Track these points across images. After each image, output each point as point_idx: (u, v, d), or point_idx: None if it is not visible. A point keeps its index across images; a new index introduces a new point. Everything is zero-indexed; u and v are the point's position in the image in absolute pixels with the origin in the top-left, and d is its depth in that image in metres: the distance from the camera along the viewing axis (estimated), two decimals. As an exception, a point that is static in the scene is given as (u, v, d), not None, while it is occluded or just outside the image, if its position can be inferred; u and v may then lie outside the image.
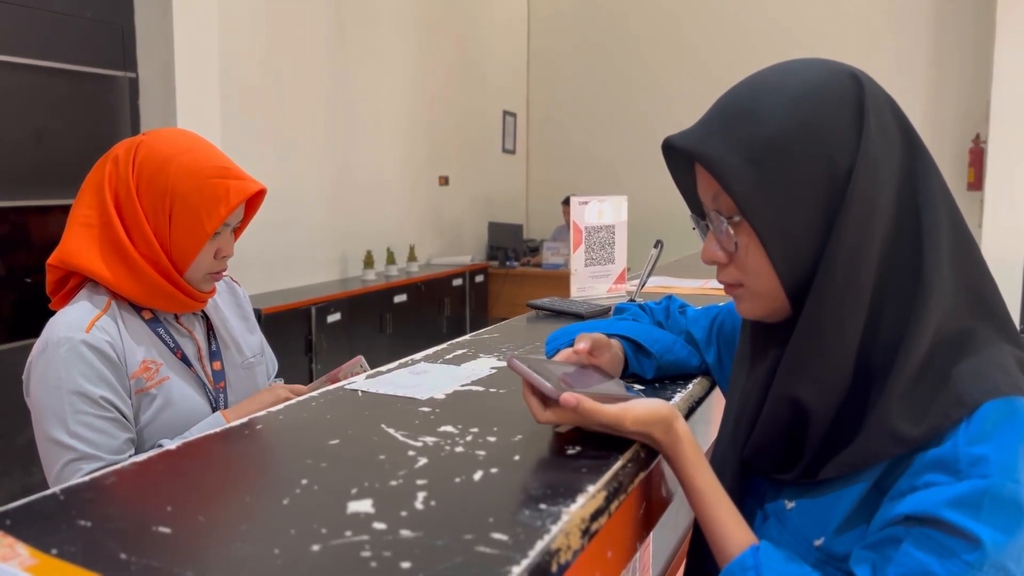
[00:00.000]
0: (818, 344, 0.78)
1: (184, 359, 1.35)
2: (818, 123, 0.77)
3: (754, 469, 0.89)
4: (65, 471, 1.21)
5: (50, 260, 1.30)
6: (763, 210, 0.78)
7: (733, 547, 0.80)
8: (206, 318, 1.43)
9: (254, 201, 1.39)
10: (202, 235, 1.28)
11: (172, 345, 1.34)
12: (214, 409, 1.37)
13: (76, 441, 1.21)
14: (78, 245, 1.28)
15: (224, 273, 1.40)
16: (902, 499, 0.72)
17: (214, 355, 1.41)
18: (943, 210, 0.78)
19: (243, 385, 1.44)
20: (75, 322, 1.25)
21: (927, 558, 0.69)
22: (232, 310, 1.52)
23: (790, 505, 0.85)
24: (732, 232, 0.81)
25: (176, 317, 1.38)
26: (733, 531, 0.81)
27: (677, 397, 1.08)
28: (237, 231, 1.40)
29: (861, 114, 0.77)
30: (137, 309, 1.33)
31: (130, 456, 1.23)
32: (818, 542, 0.80)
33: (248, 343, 1.50)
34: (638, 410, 0.83)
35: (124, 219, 1.28)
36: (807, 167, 0.77)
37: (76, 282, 1.33)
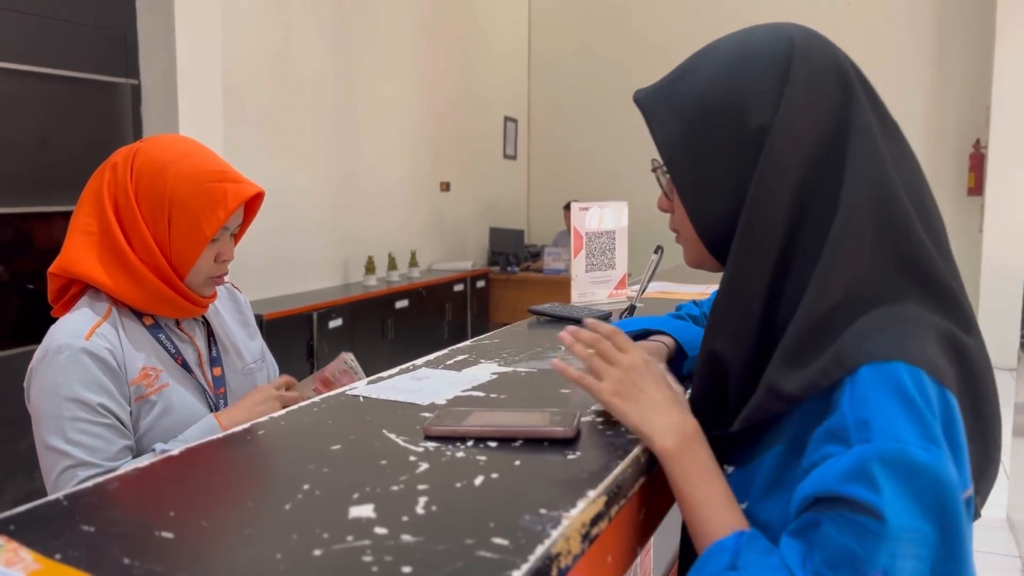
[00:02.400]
0: (730, 299, 0.83)
1: (184, 365, 1.35)
2: (740, 87, 0.81)
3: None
4: (61, 478, 1.21)
5: (51, 268, 1.31)
6: (681, 163, 0.85)
7: (720, 528, 0.79)
8: (207, 324, 1.44)
9: (253, 205, 1.39)
10: (201, 239, 1.28)
11: (172, 351, 1.34)
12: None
13: (73, 448, 1.21)
14: (78, 253, 1.28)
15: (225, 278, 1.41)
16: (808, 476, 0.73)
17: (215, 361, 1.41)
18: (867, 176, 0.78)
19: (244, 391, 1.44)
20: (75, 329, 1.25)
21: (846, 538, 0.69)
22: (233, 316, 1.52)
23: (729, 470, 0.87)
24: (667, 182, 0.89)
25: (177, 323, 1.38)
26: (723, 513, 0.81)
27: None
28: (237, 235, 1.41)
29: (785, 79, 0.79)
30: (138, 315, 1.33)
31: (126, 463, 1.23)
32: (743, 506, 0.82)
33: (249, 349, 1.50)
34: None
35: (124, 225, 1.28)
36: (724, 128, 0.81)
37: (77, 289, 1.33)
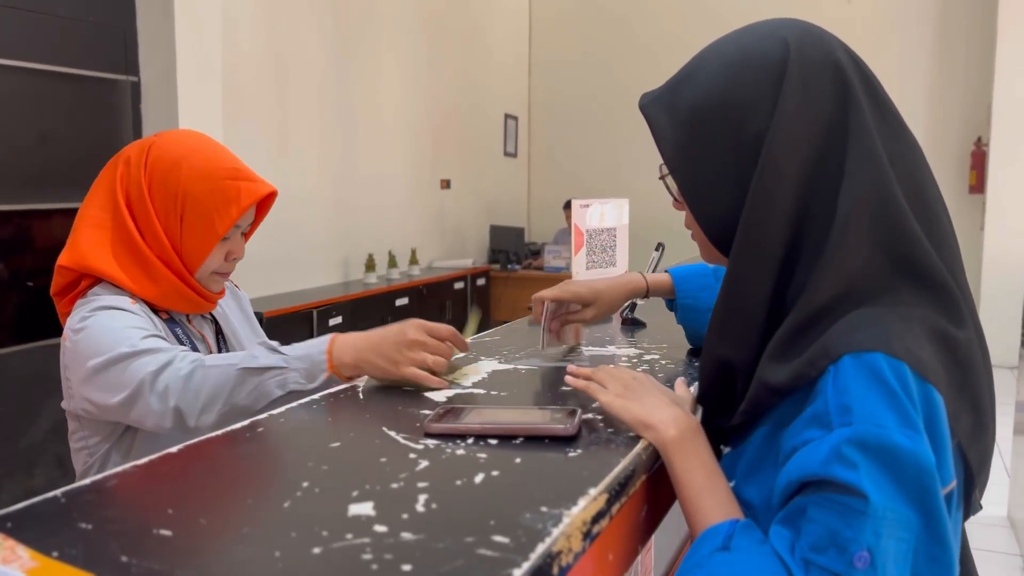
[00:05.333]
0: (732, 305, 0.84)
1: None
2: (735, 92, 0.82)
3: (707, 416, 0.94)
4: (147, 378, 1.13)
5: (62, 262, 1.28)
6: (682, 167, 0.87)
7: (716, 517, 0.80)
8: (215, 321, 1.44)
9: (265, 203, 1.38)
10: (213, 236, 1.28)
11: (189, 346, 1.33)
12: None
13: (148, 342, 1.17)
14: (91, 247, 1.27)
15: (230, 275, 1.40)
16: (790, 461, 0.74)
17: None
18: (864, 175, 0.79)
19: None
20: (118, 299, 1.25)
21: (831, 520, 0.70)
22: (236, 314, 1.52)
23: (725, 450, 0.90)
24: (672, 184, 0.90)
25: (188, 320, 1.38)
26: (722, 504, 0.82)
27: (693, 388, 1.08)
28: (247, 233, 1.40)
29: (780, 84, 0.80)
30: (154, 310, 1.32)
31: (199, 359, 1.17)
32: (730, 484, 0.84)
33: (252, 346, 1.49)
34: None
35: (136, 220, 1.27)
36: (722, 134, 0.82)
37: (87, 284, 1.31)
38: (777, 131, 0.79)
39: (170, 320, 1.34)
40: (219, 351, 1.41)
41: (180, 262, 1.29)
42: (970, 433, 0.78)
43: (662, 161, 0.90)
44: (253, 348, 1.20)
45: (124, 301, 1.26)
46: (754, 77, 0.81)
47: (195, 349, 1.35)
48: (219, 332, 1.43)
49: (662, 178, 0.93)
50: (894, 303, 0.78)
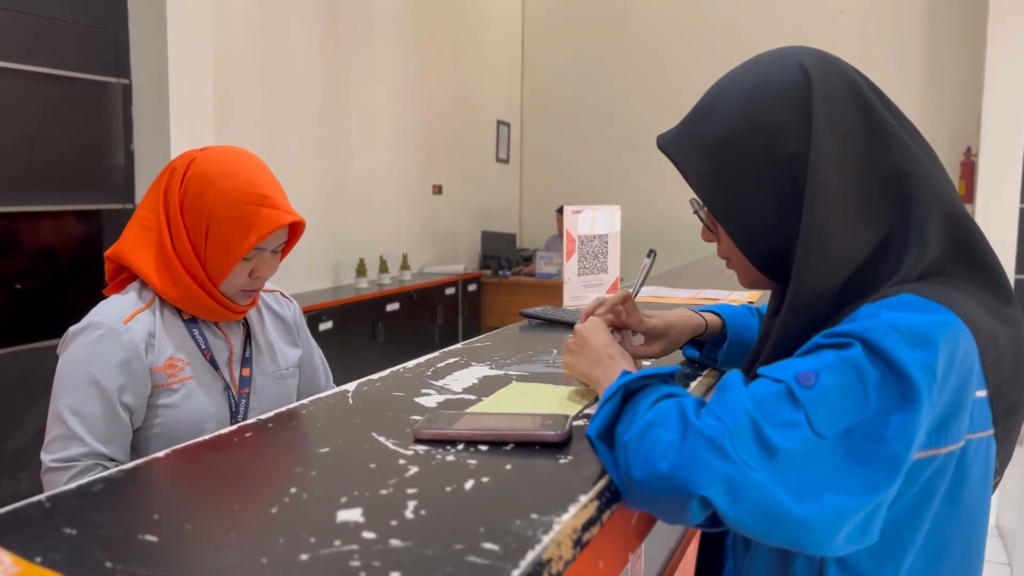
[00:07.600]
0: (804, 314, 0.83)
1: (212, 361, 1.39)
2: (763, 119, 0.84)
3: None
4: (54, 444, 1.26)
5: (107, 251, 1.38)
6: (718, 198, 0.88)
7: None
8: (247, 325, 1.48)
9: (296, 225, 1.43)
10: (233, 258, 1.34)
11: (203, 347, 1.39)
12: (232, 413, 1.39)
13: (75, 418, 1.25)
14: (134, 244, 1.36)
15: (260, 291, 1.44)
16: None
17: (246, 361, 1.45)
18: (917, 175, 0.82)
19: (271, 394, 1.47)
20: (117, 310, 1.32)
21: (797, 360, 0.73)
22: (274, 323, 1.55)
23: None
24: (708, 216, 0.92)
25: (217, 323, 1.42)
26: None
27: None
28: (283, 252, 1.44)
29: (809, 107, 0.82)
30: (178, 308, 1.38)
31: (110, 455, 1.27)
32: None
33: (285, 355, 1.53)
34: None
35: (171, 229, 1.35)
36: (754, 159, 0.84)
37: (129, 274, 1.40)
38: (818, 148, 0.81)
39: (191, 320, 1.39)
40: (243, 354, 1.45)
41: (205, 274, 1.35)
42: (1012, 406, 0.80)
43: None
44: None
45: (127, 307, 1.33)
46: (780, 101, 0.83)
47: (209, 350, 1.39)
48: (248, 337, 1.47)
49: (696, 212, 0.94)
50: (953, 286, 0.80)
